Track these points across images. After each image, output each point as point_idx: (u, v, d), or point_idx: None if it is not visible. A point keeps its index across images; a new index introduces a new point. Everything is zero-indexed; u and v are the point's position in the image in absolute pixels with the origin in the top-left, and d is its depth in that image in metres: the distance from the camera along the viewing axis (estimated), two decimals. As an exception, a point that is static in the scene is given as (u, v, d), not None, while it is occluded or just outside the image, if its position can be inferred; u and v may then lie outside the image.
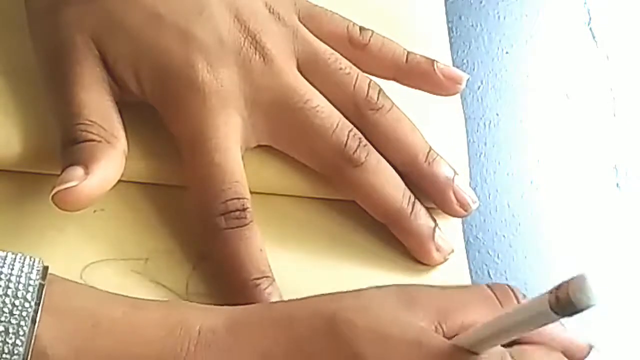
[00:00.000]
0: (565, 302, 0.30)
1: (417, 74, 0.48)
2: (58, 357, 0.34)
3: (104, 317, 0.36)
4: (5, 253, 0.36)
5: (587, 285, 0.30)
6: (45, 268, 0.36)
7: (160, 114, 0.44)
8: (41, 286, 0.35)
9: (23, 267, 0.35)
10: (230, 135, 0.44)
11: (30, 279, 0.35)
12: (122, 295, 0.38)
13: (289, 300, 0.39)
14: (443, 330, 0.37)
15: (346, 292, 0.39)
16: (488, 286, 0.40)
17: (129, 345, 0.35)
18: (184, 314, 0.37)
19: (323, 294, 0.38)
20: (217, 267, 0.43)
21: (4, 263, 0.35)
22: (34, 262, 0.36)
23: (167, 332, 0.36)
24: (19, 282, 0.35)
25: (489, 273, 0.47)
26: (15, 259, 0.36)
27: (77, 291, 0.37)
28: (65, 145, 0.42)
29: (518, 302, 0.39)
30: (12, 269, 0.35)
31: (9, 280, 0.35)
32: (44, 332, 0.34)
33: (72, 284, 0.37)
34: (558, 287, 0.30)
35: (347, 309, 0.37)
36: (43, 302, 0.35)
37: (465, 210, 0.46)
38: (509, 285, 0.40)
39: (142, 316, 0.36)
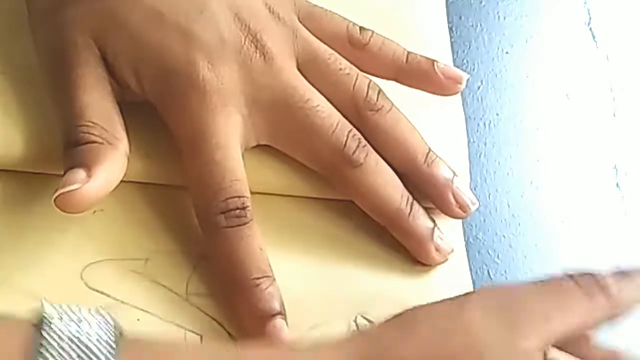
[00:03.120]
0: None
1: (418, 74, 0.48)
2: None
3: None
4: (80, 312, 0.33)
5: None
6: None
7: (160, 112, 0.44)
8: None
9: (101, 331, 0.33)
10: (230, 134, 0.44)
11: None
12: (226, 348, 0.37)
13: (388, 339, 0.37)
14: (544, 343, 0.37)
15: (445, 304, 0.37)
16: (573, 280, 0.39)
17: None
18: None
19: (418, 317, 0.37)
20: (217, 266, 0.43)
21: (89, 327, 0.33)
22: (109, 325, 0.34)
23: None
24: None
25: (489, 273, 0.47)
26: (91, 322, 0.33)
27: (175, 352, 0.35)
28: (67, 147, 0.42)
29: (605, 287, 0.38)
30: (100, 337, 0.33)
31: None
32: None
33: (166, 344, 0.36)
34: None
35: (456, 345, 0.36)
36: None
37: (464, 212, 0.46)
38: (591, 274, 0.39)
39: None
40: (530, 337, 0.36)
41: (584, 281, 0.39)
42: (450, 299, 0.38)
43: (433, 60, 0.48)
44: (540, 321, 0.37)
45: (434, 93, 0.48)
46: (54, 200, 0.40)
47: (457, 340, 0.36)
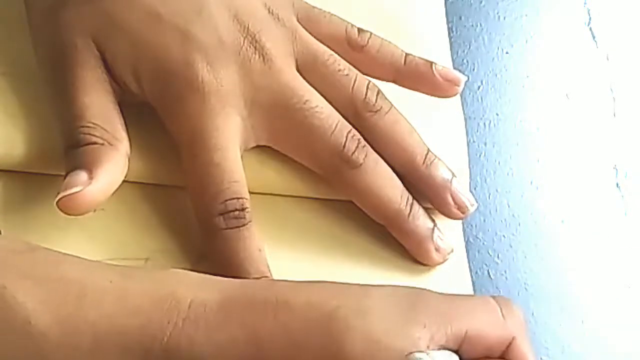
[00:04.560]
0: None
1: (416, 76, 0.48)
2: (42, 326, 0.34)
3: (90, 286, 0.35)
4: None
5: None
6: None
7: (160, 113, 0.44)
8: None
9: None
10: (229, 135, 0.44)
11: None
12: (114, 265, 0.37)
13: (292, 282, 0.38)
14: (446, 338, 0.36)
15: (353, 285, 0.38)
16: (492, 298, 0.39)
17: (114, 316, 0.34)
18: (176, 285, 0.36)
19: (329, 283, 0.38)
20: (215, 267, 0.43)
21: None
22: None
23: (155, 304, 0.35)
24: None
25: (489, 273, 0.48)
26: None
27: (64, 260, 0.36)
28: (68, 148, 0.42)
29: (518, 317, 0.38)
30: None
31: None
32: (27, 301, 0.34)
33: (58, 253, 0.37)
34: None
35: (347, 307, 0.36)
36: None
37: (463, 213, 0.46)
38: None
39: (130, 285, 0.35)
40: (427, 326, 0.36)
41: (503, 302, 0.38)
42: (362, 284, 0.38)
43: (431, 62, 0.48)
44: (439, 315, 0.37)
45: (431, 95, 0.48)
46: (57, 203, 0.40)
47: (350, 318, 0.36)
